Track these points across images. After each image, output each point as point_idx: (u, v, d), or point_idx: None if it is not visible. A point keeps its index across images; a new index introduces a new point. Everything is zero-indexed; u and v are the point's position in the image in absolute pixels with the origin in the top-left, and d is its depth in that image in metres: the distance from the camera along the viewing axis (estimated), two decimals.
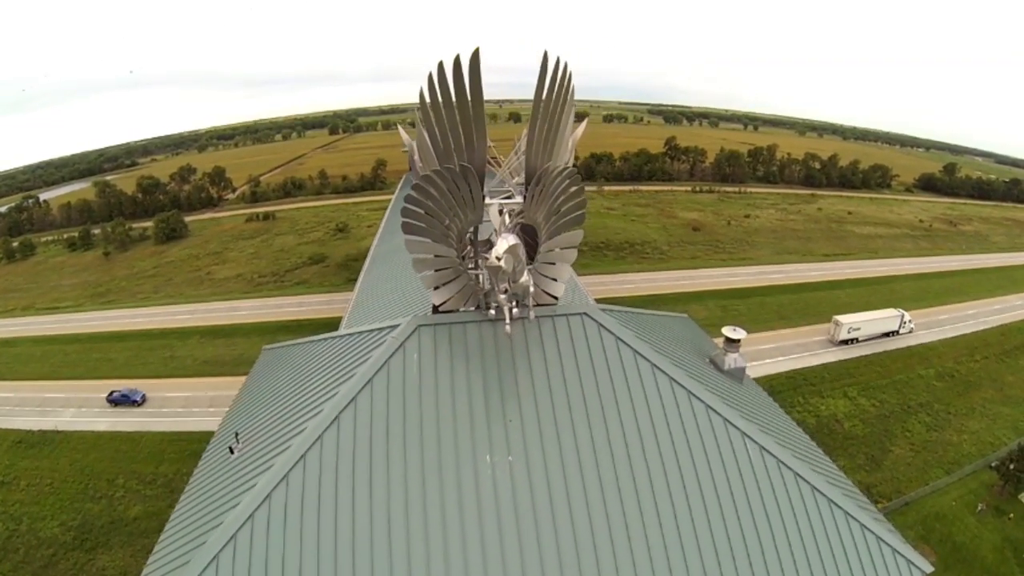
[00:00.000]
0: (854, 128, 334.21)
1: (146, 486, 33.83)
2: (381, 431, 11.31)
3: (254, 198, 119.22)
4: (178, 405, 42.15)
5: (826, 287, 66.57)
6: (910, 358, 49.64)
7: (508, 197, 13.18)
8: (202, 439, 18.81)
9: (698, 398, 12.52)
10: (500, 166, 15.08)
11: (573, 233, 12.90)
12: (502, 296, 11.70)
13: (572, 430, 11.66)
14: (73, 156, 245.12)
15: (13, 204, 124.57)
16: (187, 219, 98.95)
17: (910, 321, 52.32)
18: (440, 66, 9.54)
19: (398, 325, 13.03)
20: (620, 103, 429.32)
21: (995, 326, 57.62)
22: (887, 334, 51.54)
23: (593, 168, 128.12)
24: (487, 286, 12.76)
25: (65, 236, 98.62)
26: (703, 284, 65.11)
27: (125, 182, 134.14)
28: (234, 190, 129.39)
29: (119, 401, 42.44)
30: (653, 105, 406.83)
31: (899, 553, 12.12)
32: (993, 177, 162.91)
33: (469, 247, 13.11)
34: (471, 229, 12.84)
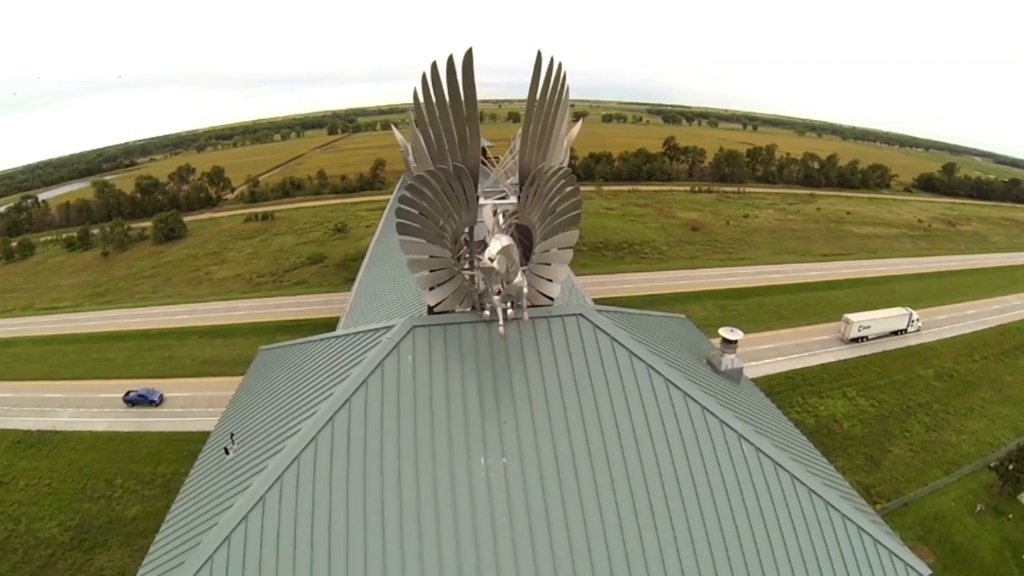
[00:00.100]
0: (853, 128, 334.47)
1: (144, 486, 33.80)
2: (375, 432, 11.28)
3: (253, 198, 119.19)
4: (177, 405, 42.12)
5: (825, 287, 66.57)
6: (909, 358, 49.64)
7: (503, 198, 13.14)
8: (201, 439, 18.82)
9: (694, 399, 12.48)
10: (496, 166, 15.04)
11: (569, 234, 12.87)
12: (496, 297, 11.66)
13: (567, 431, 11.62)
14: (72, 156, 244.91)
15: (12, 204, 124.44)
16: (186, 219, 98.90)
17: (918, 320, 53.39)
18: (434, 66, 9.52)
19: (393, 326, 13.00)
20: (619, 103, 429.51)
21: (994, 326, 57.63)
22: (895, 332, 52.53)
23: (592, 168, 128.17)
24: (482, 287, 12.74)
25: (64, 236, 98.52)
26: (702, 284, 65.10)
27: (124, 182, 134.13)
28: (233, 190, 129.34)
29: (136, 401, 41.97)
30: (652, 105, 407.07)
31: (896, 556, 12.08)
32: (992, 177, 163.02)
33: (464, 248, 13.08)
34: (466, 230, 12.81)
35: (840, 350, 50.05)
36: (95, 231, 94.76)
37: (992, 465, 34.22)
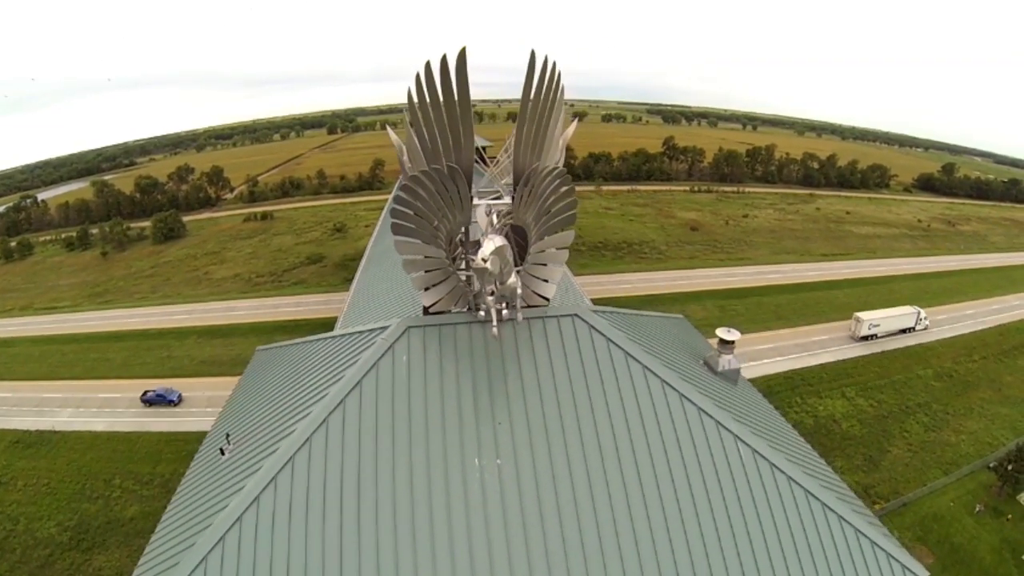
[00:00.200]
0: (853, 128, 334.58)
1: (143, 486, 33.77)
2: (370, 433, 11.25)
3: (252, 198, 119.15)
4: (175, 405, 42.09)
5: (824, 287, 66.54)
6: (908, 358, 49.61)
7: (497, 198, 13.11)
8: (199, 439, 18.83)
9: (690, 400, 12.45)
10: (495, 166, 14.99)
11: (564, 234, 12.83)
12: (489, 298, 11.62)
13: (562, 433, 11.58)
14: (71, 156, 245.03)
15: (11, 204, 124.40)
16: (185, 219, 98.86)
17: (925, 318, 54.29)
18: (427, 66, 9.49)
19: (388, 326, 12.98)
20: (619, 103, 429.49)
21: (993, 326, 57.61)
22: (904, 330, 53.29)
23: (591, 168, 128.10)
24: (477, 287, 12.71)
25: (63, 236, 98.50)
26: (701, 284, 65.07)
27: (123, 182, 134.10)
28: (232, 190, 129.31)
29: (154, 401, 41.62)
30: (652, 105, 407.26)
31: (894, 558, 12.03)
32: (992, 177, 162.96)
33: (460, 248, 13.05)
34: (461, 230, 12.78)
35: (840, 350, 50.02)
36: (94, 231, 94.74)
37: (991, 465, 34.17)
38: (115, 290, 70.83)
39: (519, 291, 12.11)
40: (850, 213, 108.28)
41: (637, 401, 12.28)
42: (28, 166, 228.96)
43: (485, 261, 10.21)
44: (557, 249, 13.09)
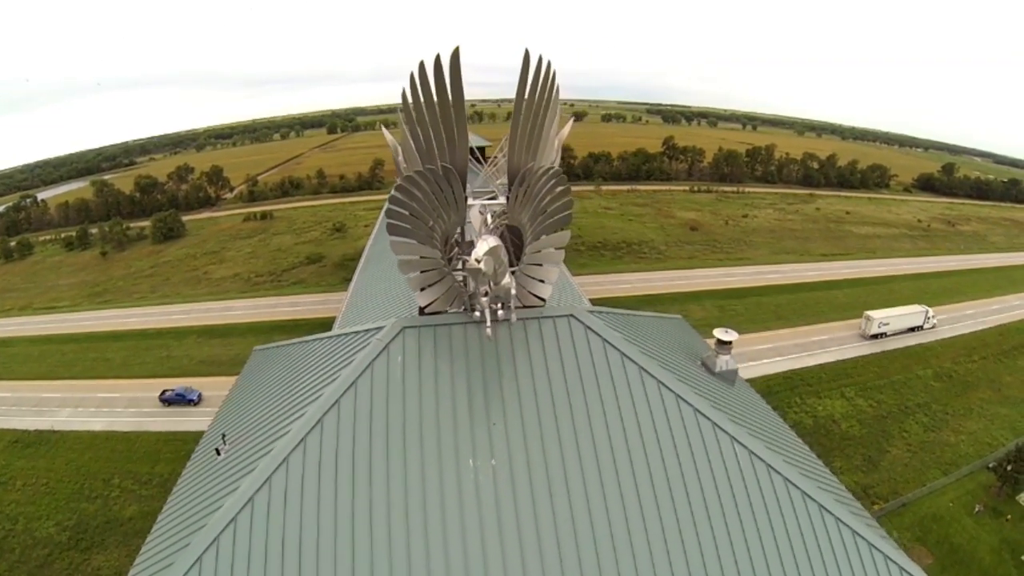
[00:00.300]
0: (852, 128, 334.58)
1: (142, 486, 33.78)
2: (364, 434, 11.22)
3: (252, 197, 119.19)
4: (174, 405, 42.05)
5: (823, 287, 66.50)
6: (908, 358, 49.58)
7: (492, 198, 13.07)
8: (198, 439, 18.90)
9: (686, 402, 12.40)
10: (494, 165, 14.96)
11: (560, 234, 12.78)
12: (483, 299, 11.59)
13: (557, 434, 11.53)
14: (71, 155, 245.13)
15: (11, 203, 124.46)
16: (184, 219, 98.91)
17: (933, 317, 54.91)
18: (421, 66, 9.47)
19: (384, 327, 12.95)
20: (619, 103, 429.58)
21: (993, 326, 57.58)
22: (912, 329, 53.93)
23: (591, 167, 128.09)
24: (472, 288, 12.69)
25: (63, 236, 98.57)
26: (700, 284, 65.04)
27: (123, 181, 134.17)
28: (232, 189, 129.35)
29: (173, 400, 41.37)
30: (652, 105, 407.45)
31: (892, 560, 11.98)
32: (991, 177, 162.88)
33: (456, 248, 13.02)
34: (457, 230, 12.75)
35: (839, 350, 50.00)
36: (94, 231, 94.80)
37: (991, 466, 34.14)
38: (114, 290, 70.85)
39: (513, 292, 12.08)
40: (850, 213, 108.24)
41: (633, 402, 12.23)
42: (28, 166, 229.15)
43: (478, 262, 10.18)
44: (553, 249, 13.05)
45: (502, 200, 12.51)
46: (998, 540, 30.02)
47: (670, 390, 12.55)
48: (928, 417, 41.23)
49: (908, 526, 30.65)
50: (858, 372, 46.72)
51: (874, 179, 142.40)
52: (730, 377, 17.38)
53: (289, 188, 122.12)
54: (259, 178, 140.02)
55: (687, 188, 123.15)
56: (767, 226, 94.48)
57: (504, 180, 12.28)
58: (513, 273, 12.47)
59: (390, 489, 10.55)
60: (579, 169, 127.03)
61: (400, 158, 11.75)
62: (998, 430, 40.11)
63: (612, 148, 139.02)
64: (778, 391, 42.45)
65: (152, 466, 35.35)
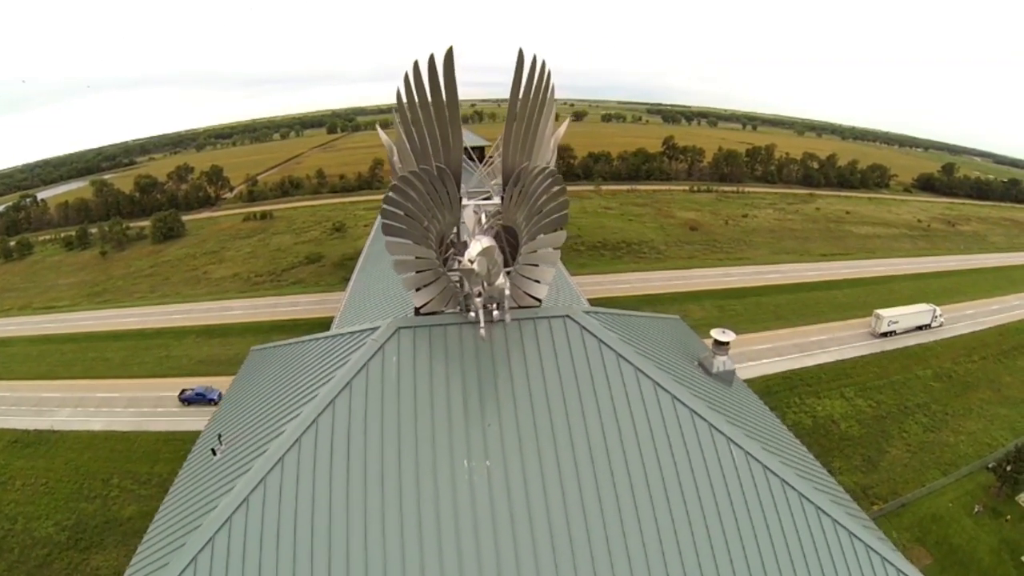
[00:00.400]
0: (852, 128, 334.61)
1: (141, 486, 33.77)
2: (359, 434, 11.21)
3: (251, 197, 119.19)
4: (173, 405, 42.08)
5: (823, 287, 66.45)
6: (907, 359, 49.53)
7: (487, 198, 13.05)
8: (195, 439, 18.94)
9: (682, 402, 12.37)
10: (489, 165, 14.94)
11: (556, 234, 12.75)
12: (477, 299, 11.58)
13: (552, 435, 11.51)
14: (71, 155, 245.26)
15: (11, 203, 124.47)
16: (184, 218, 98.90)
17: (941, 315, 55.67)
18: (415, 66, 9.45)
19: (379, 327, 12.93)
20: (619, 103, 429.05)
21: (993, 326, 57.55)
22: (920, 327, 54.53)
23: (591, 167, 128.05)
24: (467, 288, 12.67)
25: (62, 235, 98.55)
26: (700, 284, 64.99)
27: (123, 181, 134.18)
28: (231, 189, 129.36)
29: (193, 400, 41.16)
30: (652, 105, 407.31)
31: (889, 562, 11.95)
32: (991, 177, 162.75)
33: (452, 249, 13.00)
34: (453, 230, 12.73)
35: (839, 350, 49.97)
36: (93, 230, 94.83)
37: (990, 466, 34.11)
38: (114, 290, 70.85)
39: (507, 292, 12.05)
40: (850, 213, 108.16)
41: (628, 403, 12.20)
42: (28, 165, 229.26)
43: (472, 262, 10.17)
44: (549, 250, 13.02)
45: (497, 200, 12.48)
46: (997, 541, 29.99)
47: (666, 391, 12.53)
48: (928, 417, 41.19)
49: (907, 527, 30.62)
50: (858, 372, 46.68)
51: (874, 179, 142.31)
52: (727, 378, 17.35)
53: (289, 188, 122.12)
54: (259, 178, 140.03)
55: (687, 188, 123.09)
56: (767, 226, 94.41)
57: (499, 180, 12.25)
58: (508, 273, 12.45)
59: (384, 489, 10.54)
60: (579, 169, 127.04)
61: (395, 158, 11.74)
62: (998, 430, 40.07)
63: (612, 148, 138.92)
64: (777, 391, 42.43)
65: (151, 466, 35.35)
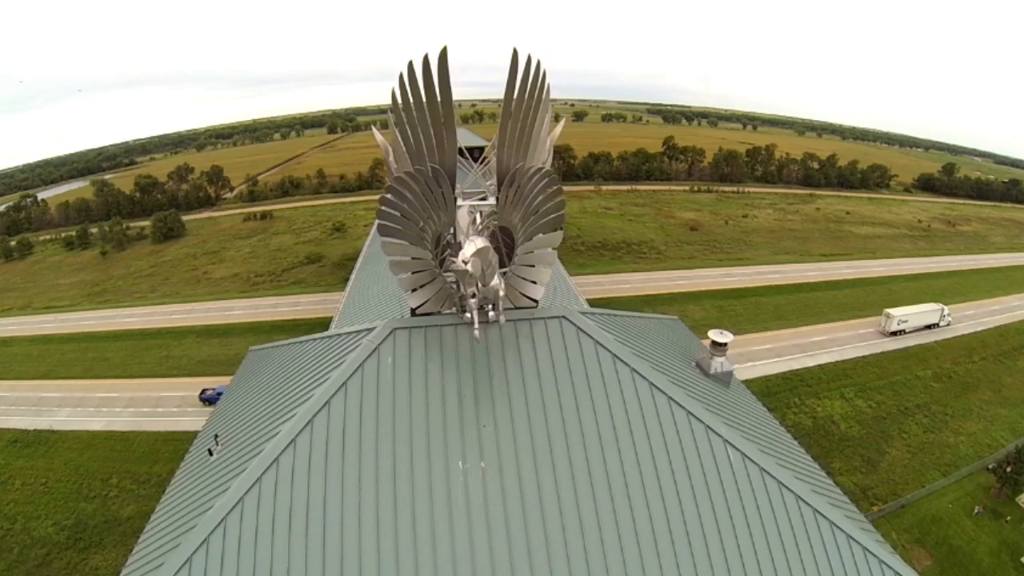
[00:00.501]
0: (853, 128, 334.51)
1: (140, 486, 33.77)
2: (354, 435, 11.20)
3: (252, 197, 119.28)
4: (173, 405, 42.09)
5: (824, 287, 66.36)
6: (907, 359, 49.45)
7: (483, 199, 13.01)
8: (193, 439, 18.96)
9: (679, 404, 12.33)
10: (485, 166, 14.89)
11: (552, 235, 12.71)
12: (471, 300, 11.55)
13: (547, 436, 11.48)
14: (72, 155, 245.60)
15: (11, 203, 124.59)
16: (184, 218, 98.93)
17: (949, 315, 55.99)
18: (410, 66, 9.43)
19: (375, 328, 12.91)
20: (619, 103, 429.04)
21: (993, 327, 57.41)
22: (929, 326, 54.90)
23: (591, 167, 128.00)
24: (462, 289, 12.64)
25: (63, 235, 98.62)
26: (700, 284, 64.91)
27: (123, 181, 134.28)
28: (232, 189, 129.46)
29: (214, 400, 40.78)
30: (652, 105, 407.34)
31: (886, 564, 11.92)
32: (992, 177, 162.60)
33: (448, 249, 12.97)
34: (450, 231, 12.70)
35: (840, 350, 49.89)
36: (94, 230, 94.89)
37: (990, 467, 34.04)
38: (114, 289, 70.87)
39: (502, 293, 12.02)
40: (850, 213, 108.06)
41: (624, 405, 12.16)
42: (28, 165, 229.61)
43: (466, 263, 10.14)
44: (546, 250, 12.98)
45: (491, 201, 12.44)
46: (997, 542, 29.92)
47: (662, 392, 12.49)
48: (928, 418, 41.10)
49: (907, 528, 30.54)
50: (857, 373, 46.59)
51: (874, 179, 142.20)
52: (725, 379, 17.31)
53: (289, 188, 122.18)
54: (259, 178, 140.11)
55: (687, 188, 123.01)
56: (767, 226, 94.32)
57: (494, 181, 12.22)
58: (504, 274, 12.41)
59: (379, 490, 10.53)
60: (579, 169, 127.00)
61: (391, 159, 11.71)
62: (998, 431, 39.97)
63: (612, 148, 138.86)
64: (777, 392, 42.37)
65: (150, 466, 35.35)
